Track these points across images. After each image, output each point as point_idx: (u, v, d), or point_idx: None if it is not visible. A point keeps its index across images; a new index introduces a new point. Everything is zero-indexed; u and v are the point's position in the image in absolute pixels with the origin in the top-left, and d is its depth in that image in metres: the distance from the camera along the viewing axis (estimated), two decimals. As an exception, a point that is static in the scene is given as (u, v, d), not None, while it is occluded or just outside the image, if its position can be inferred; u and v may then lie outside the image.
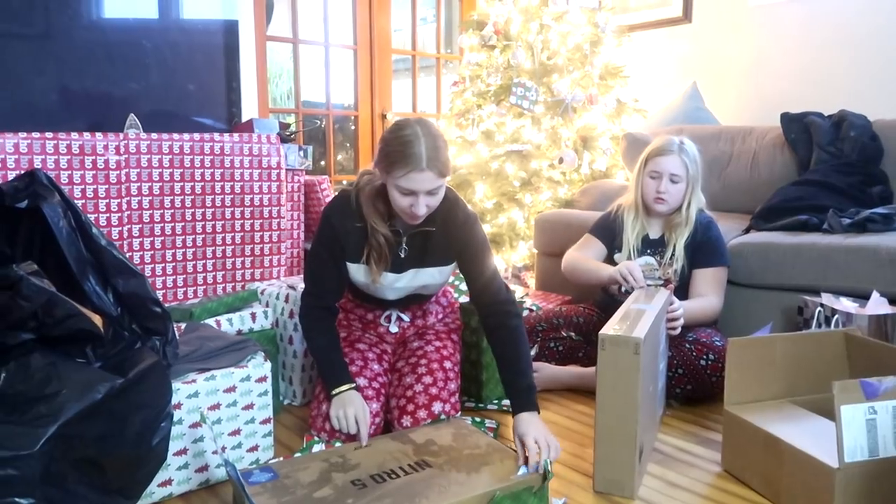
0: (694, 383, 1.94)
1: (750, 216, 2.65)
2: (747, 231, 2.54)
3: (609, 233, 2.23)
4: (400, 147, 1.58)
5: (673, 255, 2.10)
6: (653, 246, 2.17)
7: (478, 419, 1.74)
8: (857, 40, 3.08)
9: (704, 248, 2.10)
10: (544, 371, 2.13)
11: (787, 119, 2.90)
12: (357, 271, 1.77)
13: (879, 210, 2.30)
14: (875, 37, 3.02)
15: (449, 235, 1.76)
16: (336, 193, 1.82)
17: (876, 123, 2.71)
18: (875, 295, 1.97)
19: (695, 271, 2.10)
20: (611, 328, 1.52)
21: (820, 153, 2.70)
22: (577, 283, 2.23)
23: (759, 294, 2.29)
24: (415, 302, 1.92)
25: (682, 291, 2.11)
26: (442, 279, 1.83)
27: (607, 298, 2.23)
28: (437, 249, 1.77)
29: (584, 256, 2.22)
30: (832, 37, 3.16)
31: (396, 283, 1.79)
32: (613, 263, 2.21)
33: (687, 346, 1.95)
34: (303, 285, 2.09)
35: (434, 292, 1.91)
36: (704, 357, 1.93)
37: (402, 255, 1.77)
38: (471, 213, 1.80)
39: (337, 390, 1.68)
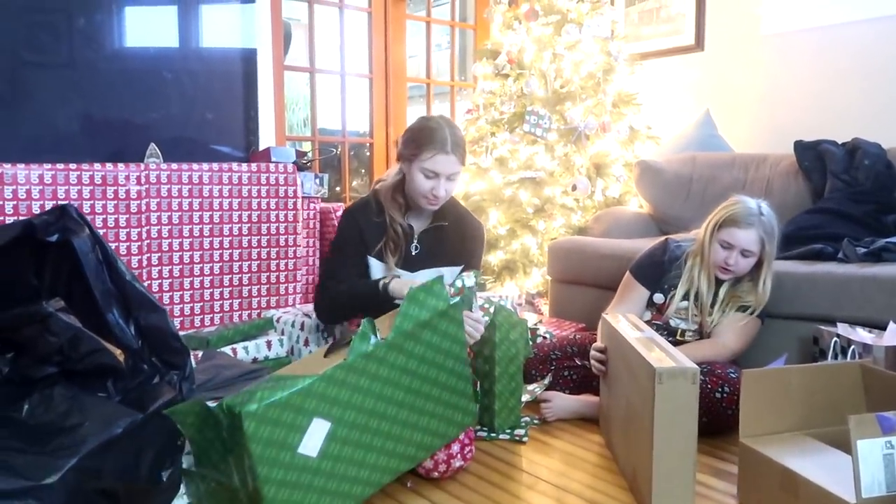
0: (709, 416, 1.92)
1: (764, 244, 2.64)
2: (762, 259, 2.54)
3: (656, 273, 2.13)
4: (428, 133, 1.78)
5: (720, 310, 2.05)
6: (698, 295, 2.09)
7: None
8: (870, 68, 3.08)
9: None
10: (557, 400, 2.12)
11: (800, 147, 2.91)
12: (375, 267, 1.86)
13: (894, 239, 2.29)
14: (888, 65, 3.03)
15: (464, 237, 1.92)
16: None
17: (890, 151, 2.71)
18: (892, 325, 1.95)
19: (727, 313, 2.06)
20: (658, 361, 1.51)
21: (834, 181, 2.70)
22: None
23: (774, 323, 2.27)
24: None
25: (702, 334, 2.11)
26: (451, 279, 1.91)
27: None
28: (449, 248, 1.90)
29: (605, 321, 2.11)
30: (845, 65, 3.16)
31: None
32: (652, 304, 2.16)
33: (702, 378, 1.94)
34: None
35: None
36: (720, 390, 1.92)
37: (414, 253, 1.88)
38: (482, 227, 2.00)
39: (383, 280, 1.78)
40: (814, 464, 1.47)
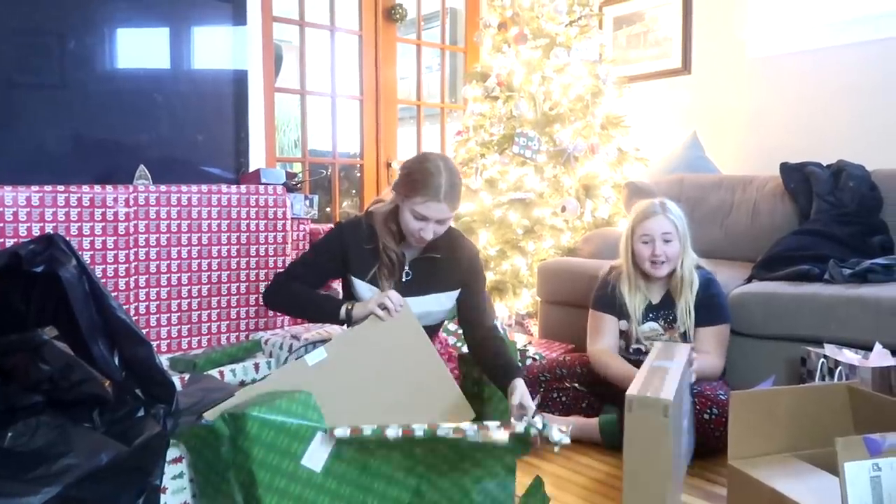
0: (698, 437, 1.93)
1: (751, 264, 2.66)
2: (749, 280, 2.55)
3: (611, 298, 2.20)
4: (423, 176, 1.75)
5: (679, 317, 2.10)
6: (655, 310, 2.16)
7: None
8: (855, 91, 3.13)
9: (706, 306, 2.10)
10: (547, 423, 2.12)
11: (786, 169, 2.94)
12: (364, 290, 1.85)
13: (880, 260, 2.31)
14: (873, 88, 3.08)
15: (459, 263, 1.90)
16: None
17: (874, 173, 2.74)
18: (878, 346, 1.96)
19: (697, 329, 2.10)
20: (637, 389, 1.49)
21: (820, 203, 2.73)
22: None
23: (761, 344, 2.28)
24: None
25: None
26: (449, 304, 1.93)
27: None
28: (443, 276, 1.89)
29: (612, 355, 2.15)
30: (830, 88, 3.21)
31: None
32: (621, 333, 2.20)
33: (693, 399, 1.95)
34: (306, 335, 2.11)
35: (437, 321, 1.97)
36: (708, 411, 1.92)
37: (405, 280, 1.87)
38: (476, 247, 2.00)
39: (346, 305, 1.77)
40: (802, 486, 1.46)
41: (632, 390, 1.48)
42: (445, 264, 1.89)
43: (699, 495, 1.76)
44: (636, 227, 2.13)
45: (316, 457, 1.38)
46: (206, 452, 1.42)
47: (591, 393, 2.21)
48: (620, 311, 2.18)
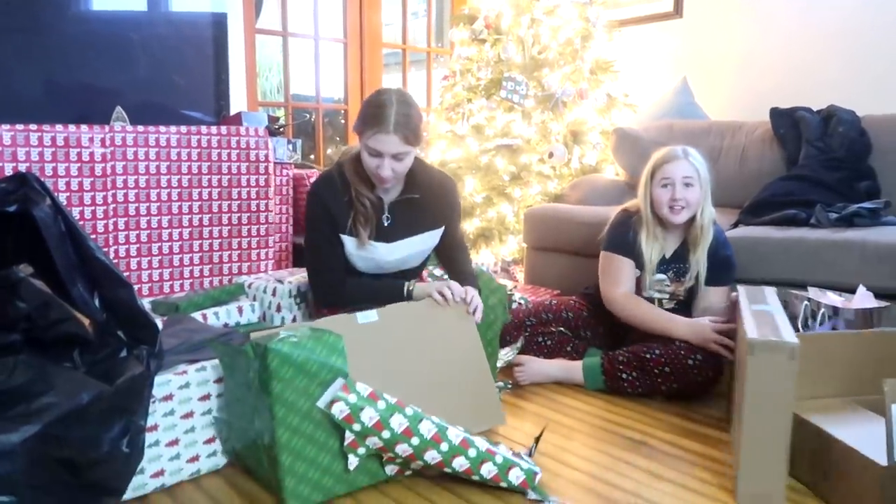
0: (679, 382, 1.95)
1: (739, 210, 2.66)
2: (736, 225, 2.55)
3: (630, 242, 2.11)
4: (374, 109, 1.69)
5: (690, 271, 2.07)
6: (667, 263, 2.12)
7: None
8: (846, 36, 3.09)
9: (720, 267, 2.07)
10: (531, 365, 2.13)
11: (776, 114, 2.91)
12: (347, 243, 1.82)
13: (866, 205, 2.31)
14: (864, 33, 3.03)
15: (439, 200, 1.87)
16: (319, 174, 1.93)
17: (864, 119, 2.73)
18: (861, 289, 1.97)
19: (706, 288, 2.07)
20: (757, 332, 1.41)
21: (808, 148, 2.71)
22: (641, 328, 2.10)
23: (747, 289, 2.29)
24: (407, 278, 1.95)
25: (686, 309, 2.11)
26: (433, 242, 1.91)
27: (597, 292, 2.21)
28: (425, 215, 1.86)
29: (639, 300, 2.09)
30: (821, 33, 3.17)
31: (392, 255, 1.85)
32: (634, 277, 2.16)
33: (677, 343, 1.96)
34: (291, 278, 2.09)
35: (421, 261, 1.97)
36: (693, 357, 1.93)
37: (386, 224, 1.83)
38: (453, 180, 1.97)
39: (407, 286, 1.80)
40: (850, 428, 1.44)
41: (753, 334, 1.40)
42: (426, 203, 1.85)
43: (697, 440, 1.78)
44: (656, 171, 2.05)
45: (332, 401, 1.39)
46: (237, 372, 1.46)
47: (575, 337, 2.21)
48: (637, 258, 2.11)
